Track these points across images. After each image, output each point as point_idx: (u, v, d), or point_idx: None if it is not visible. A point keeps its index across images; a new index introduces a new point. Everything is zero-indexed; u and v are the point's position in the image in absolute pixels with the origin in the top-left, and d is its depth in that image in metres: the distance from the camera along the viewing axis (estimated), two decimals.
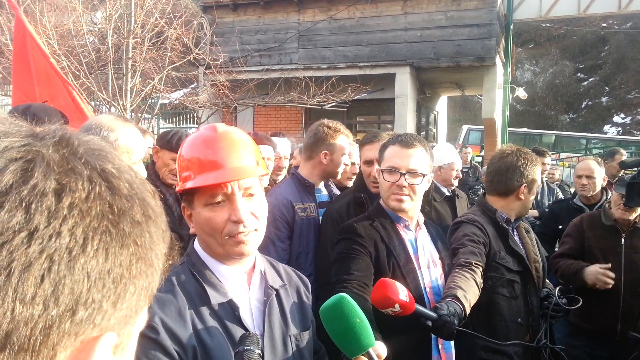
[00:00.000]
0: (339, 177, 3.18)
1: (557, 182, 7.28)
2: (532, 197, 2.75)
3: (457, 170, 4.35)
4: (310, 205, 2.98)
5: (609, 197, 4.15)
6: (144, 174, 1.92)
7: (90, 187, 0.49)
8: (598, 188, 4.44)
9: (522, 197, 2.68)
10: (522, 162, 2.70)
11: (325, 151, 3.00)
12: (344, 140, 3.05)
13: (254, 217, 1.40)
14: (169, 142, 3.12)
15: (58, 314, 0.45)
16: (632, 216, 3.43)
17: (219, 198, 1.37)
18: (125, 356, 0.56)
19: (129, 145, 1.86)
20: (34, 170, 0.46)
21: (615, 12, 14.51)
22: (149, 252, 0.53)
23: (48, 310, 0.44)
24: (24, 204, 0.45)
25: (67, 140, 0.51)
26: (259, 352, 1.23)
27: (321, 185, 3.18)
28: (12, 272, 0.43)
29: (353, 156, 3.37)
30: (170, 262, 0.60)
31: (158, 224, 0.56)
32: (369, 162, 2.91)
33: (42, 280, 0.44)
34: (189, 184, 1.39)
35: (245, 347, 1.22)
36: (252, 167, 1.42)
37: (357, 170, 3.17)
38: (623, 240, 3.46)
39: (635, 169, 2.98)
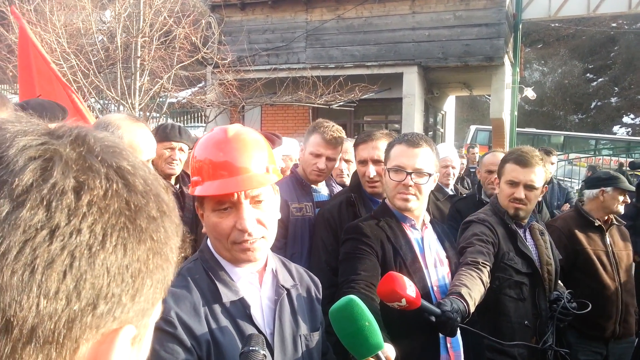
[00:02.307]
0: (310, 177, 3.01)
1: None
2: (508, 191, 2.67)
3: (450, 167, 4.21)
4: (307, 205, 2.93)
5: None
6: None
7: (107, 185, 0.50)
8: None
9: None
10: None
11: (304, 149, 2.99)
12: (315, 138, 2.94)
13: (260, 225, 1.39)
14: (156, 134, 3.15)
15: (80, 308, 0.47)
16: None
17: (226, 205, 1.37)
18: (142, 347, 0.58)
19: (133, 143, 1.86)
20: (53, 168, 0.48)
21: (625, 12, 14.41)
22: (165, 247, 0.55)
23: (71, 304, 0.46)
24: (44, 202, 0.46)
25: (84, 139, 0.53)
26: (264, 353, 1.24)
27: (322, 185, 3.13)
28: (35, 269, 0.45)
29: (348, 153, 3.27)
30: (182, 254, 0.62)
31: (172, 218, 0.57)
32: (364, 162, 2.79)
33: (64, 276, 0.46)
34: (197, 191, 1.40)
35: (251, 348, 1.23)
36: (260, 175, 1.39)
37: (323, 167, 2.96)
38: (608, 239, 3.49)
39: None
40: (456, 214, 3.72)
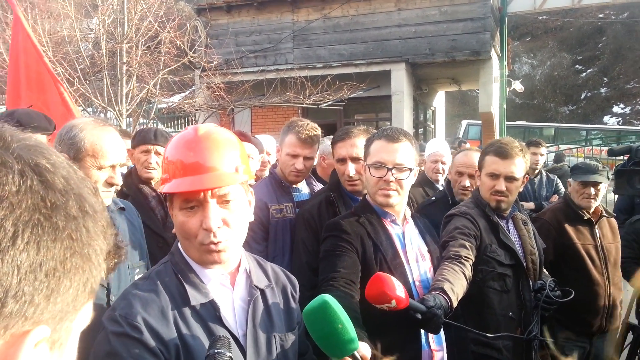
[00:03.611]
0: (289, 178, 2.96)
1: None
2: (489, 184, 2.65)
3: (440, 162, 4.07)
4: (287, 206, 2.89)
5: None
6: (118, 180, 1.89)
7: (21, 181, 0.49)
8: None
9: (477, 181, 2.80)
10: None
11: (280, 149, 2.96)
12: (290, 138, 2.89)
13: (226, 226, 1.36)
14: (134, 139, 3.17)
15: None
16: (594, 204, 3.40)
17: (192, 204, 1.35)
18: (65, 353, 0.56)
19: (95, 147, 1.82)
20: None
21: (611, 2, 14.49)
22: (86, 247, 0.53)
23: None
24: None
25: (0, 136, 0.52)
26: (230, 355, 1.21)
27: (302, 184, 3.08)
28: None
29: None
30: (115, 260, 0.60)
31: (97, 219, 0.56)
32: (342, 160, 2.73)
33: None
34: (165, 188, 1.38)
35: (216, 351, 1.20)
36: (228, 174, 1.37)
37: (301, 167, 2.92)
38: (597, 232, 3.40)
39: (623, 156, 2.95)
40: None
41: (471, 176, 3.23)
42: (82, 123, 1.85)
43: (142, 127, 3.22)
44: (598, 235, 3.41)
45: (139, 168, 3.04)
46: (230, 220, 1.37)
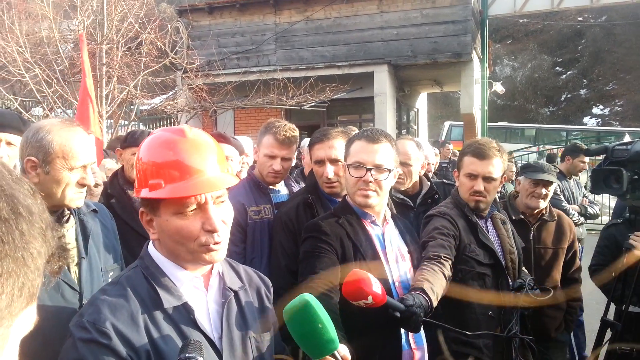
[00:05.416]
0: (267, 179, 2.92)
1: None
2: (468, 184, 2.66)
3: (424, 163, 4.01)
4: (266, 207, 2.86)
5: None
6: (90, 180, 1.85)
7: None
8: (415, 177, 3.29)
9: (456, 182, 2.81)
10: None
11: (258, 150, 2.95)
12: (268, 139, 2.86)
13: (224, 225, 1.37)
14: (125, 140, 3.19)
15: None
16: (543, 205, 3.36)
17: (193, 206, 1.32)
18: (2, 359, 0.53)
19: (65, 148, 1.78)
20: None
21: (588, 6, 14.73)
22: (19, 251, 0.51)
23: None
24: None
25: None
26: (202, 359, 1.20)
27: (280, 185, 3.05)
28: None
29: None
30: (60, 263, 0.57)
31: (33, 221, 0.53)
32: (320, 162, 2.70)
33: None
34: (162, 194, 1.31)
35: (187, 355, 1.18)
36: (228, 176, 1.38)
37: (279, 168, 2.88)
38: (532, 234, 3.35)
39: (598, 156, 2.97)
40: None
41: (403, 164, 3.03)
42: (49, 125, 1.80)
43: (133, 130, 3.27)
44: (532, 238, 3.34)
45: (128, 169, 3.01)
46: (226, 219, 1.39)
